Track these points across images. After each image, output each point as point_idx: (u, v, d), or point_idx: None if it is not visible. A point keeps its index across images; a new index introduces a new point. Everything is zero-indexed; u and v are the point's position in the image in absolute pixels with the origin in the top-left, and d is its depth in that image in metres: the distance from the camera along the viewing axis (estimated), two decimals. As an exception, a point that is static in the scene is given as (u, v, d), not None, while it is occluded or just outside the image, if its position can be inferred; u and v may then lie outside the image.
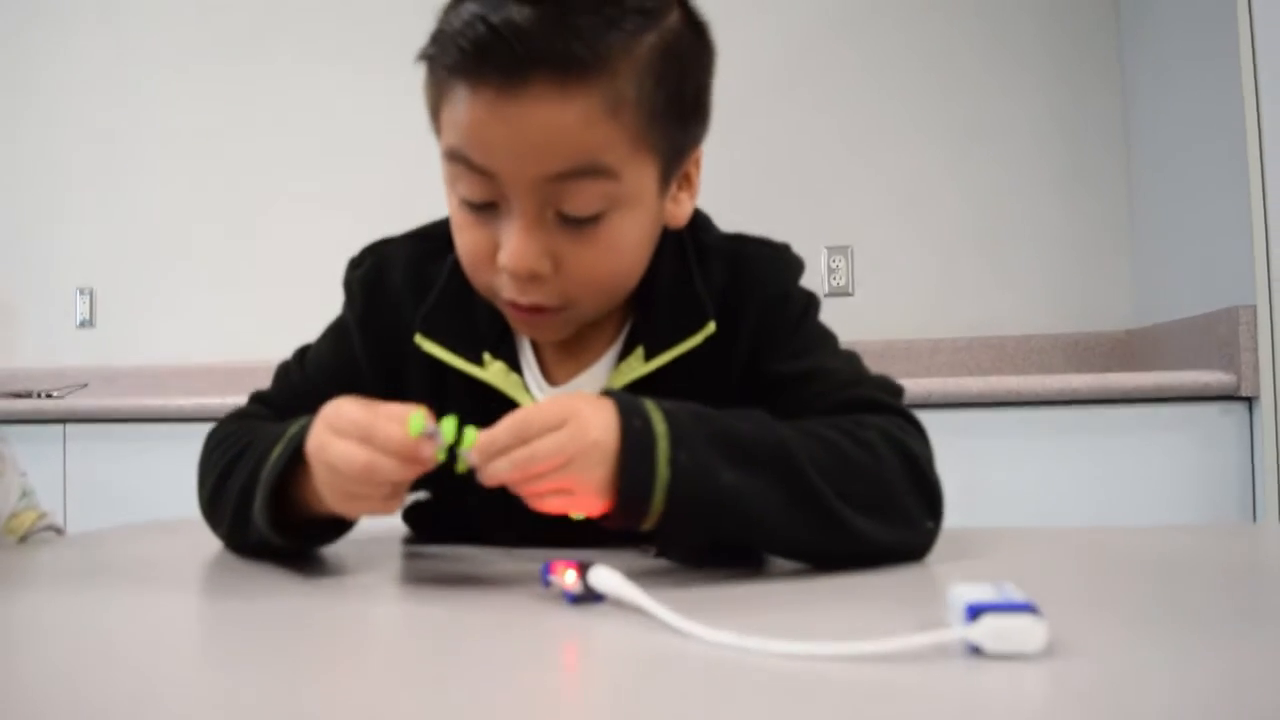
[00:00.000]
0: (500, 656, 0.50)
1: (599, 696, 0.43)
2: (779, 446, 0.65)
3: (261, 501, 0.69)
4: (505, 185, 0.68)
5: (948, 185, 2.59)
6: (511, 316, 0.76)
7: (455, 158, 0.69)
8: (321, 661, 0.50)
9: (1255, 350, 1.82)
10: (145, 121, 3.11)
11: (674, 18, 0.70)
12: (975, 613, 0.43)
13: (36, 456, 2.43)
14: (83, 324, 3.13)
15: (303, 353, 0.92)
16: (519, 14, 0.63)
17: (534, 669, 0.47)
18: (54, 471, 2.44)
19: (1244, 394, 1.84)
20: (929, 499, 0.71)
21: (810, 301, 0.85)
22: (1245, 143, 1.83)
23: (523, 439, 0.61)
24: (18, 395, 2.64)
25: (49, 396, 2.65)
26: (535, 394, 0.81)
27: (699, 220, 0.85)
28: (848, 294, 2.59)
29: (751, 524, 0.64)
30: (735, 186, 2.63)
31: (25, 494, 0.96)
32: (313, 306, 3.20)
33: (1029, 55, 2.56)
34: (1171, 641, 0.48)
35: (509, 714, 0.39)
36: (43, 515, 0.95)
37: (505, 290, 0.72)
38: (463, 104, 0.67)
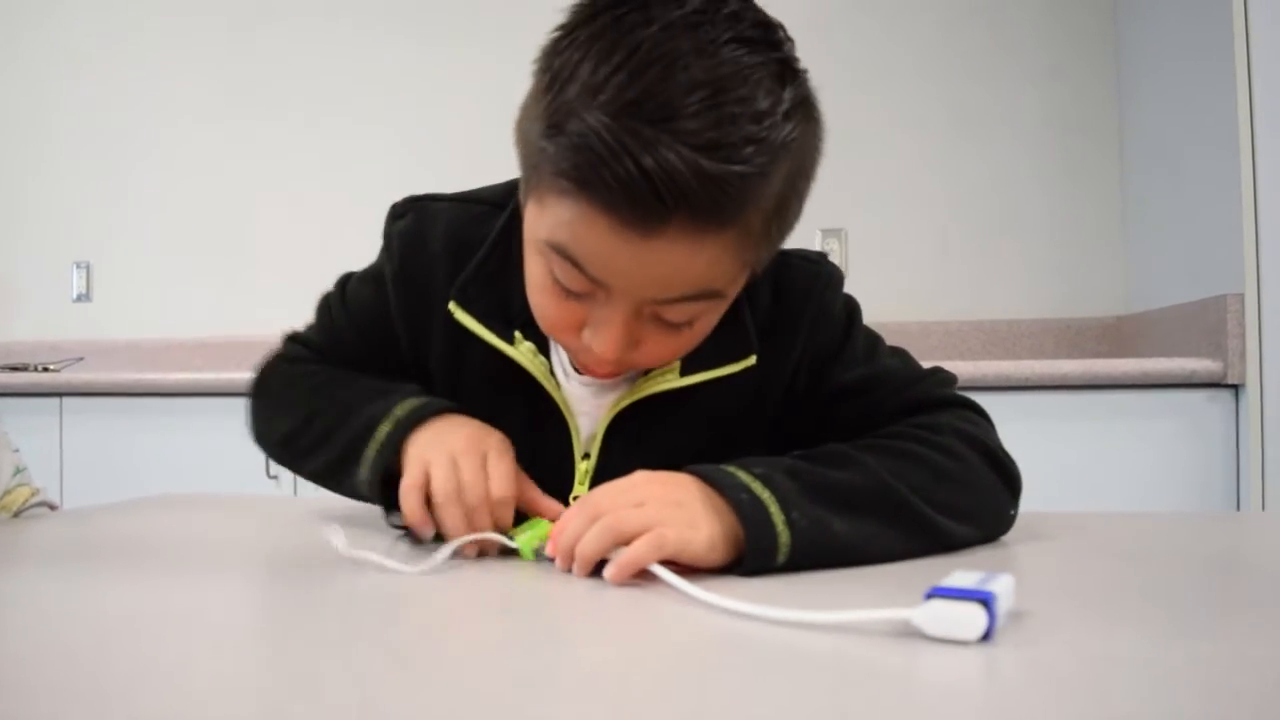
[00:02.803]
0: (501, 633, 0.51)
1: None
2: (879, 485, 0.67)
3: (368, 476, 0.75)
4: (612, 292, 0.66)
5: (942, 170, 2.59)
6: (579, 365, 0.78)
7: (563, 255, 0.65)
8: (318, 638, 0.51)
9: (1243, 338, 1.83)
10: (142, 96, 3.10)
11: (800, 125, 0.65)
12: (930, 598, 0.45)
13: (33, 429, 2.44)
14: (79, 298, 3.13)
15: (344, 284, 0.91)
16: (668, 156, 0.57)
17: (538, 636, 0.49)
18: (50, 444, 2.45)
19: (1231, 381, 1.85)
20: (1011, 487, 0.75)
21: (852, 311, 0.86)
22: (1237, 133, 1.83)
23: (594, 517, 0.62)
24: (14, 368, 2.65)
25: (46, 370, 2.66)
26: (560, 379, 0.81)
27: None
28: (841, 277, 2.59)
29: (865, 559, 0.66)
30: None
31: (18, 470, 0.97)
32: (308, 281, 3.20)
33: (1025, 43, 2.56)
34: (1139, 630, 0.49)
35: (509, 690, 0.41)
36: (36, 492, 0.97)
37: (582, 356, 0.73)
38: (582, 220, 0.63)
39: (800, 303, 0.81)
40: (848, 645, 0.45)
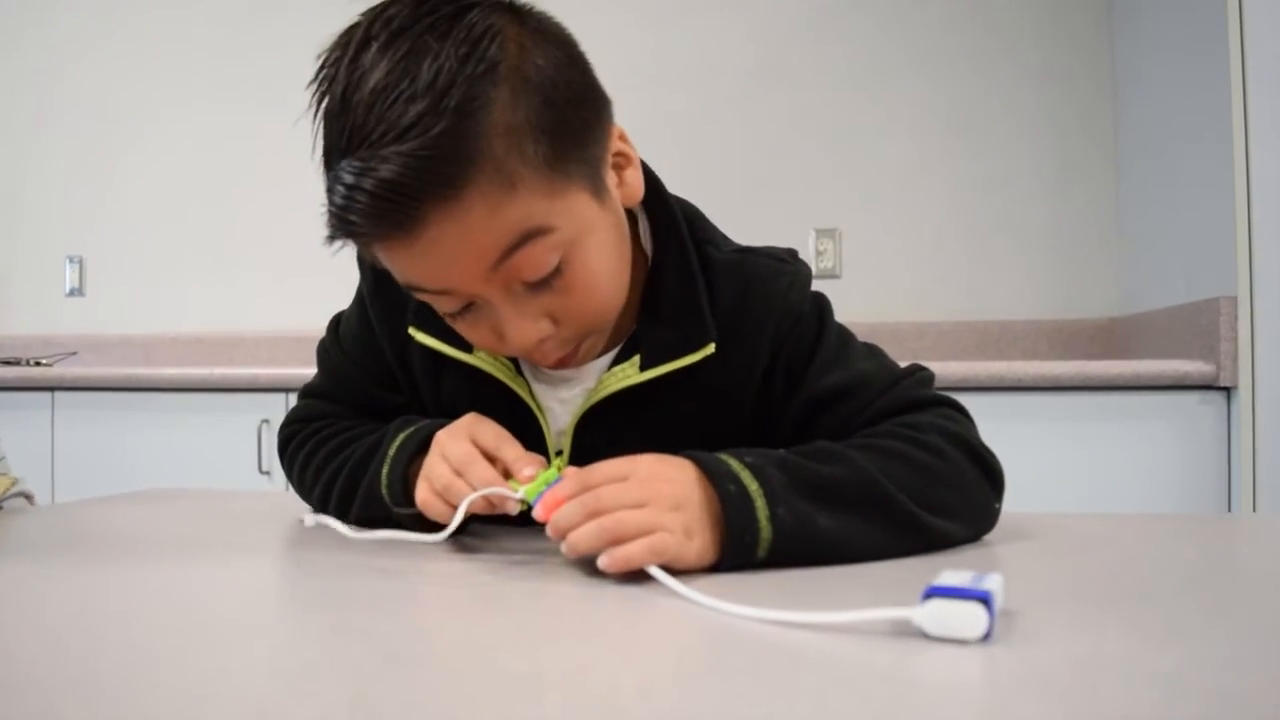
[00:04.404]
0: (492, 631, 0.51)
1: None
2: (866, 482, 0.67)
3: (394, 507, 0.78)
4: (464, 290, 0.69)
5: (937, 171, 2.59)
6: (542, 366, 0.80)
7: (410, 288, 0.71)
8: (308, 634, 0.51)
9: (1235, 341, 1.84)
10: (136, 91, 3.10)
11: (508, 45, 0.65)
12: (929, 597, 0.45)
13: (25, 424, 2.43)
14: (72, 292, 3.12)
15: (336, 324, 0.95)
16: (381, 169, 0.61)
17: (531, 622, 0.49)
18: (42, 439, 2.44)
19: (1223, 384, 1.85)
20: (994, 482, 0.76)
21: (823, 309, 0.85)
22: (1231, 136, 1.84)
23: (585, 488, 0.63)
24: (7, 363, 2.64)
25: (38, 364, 2.65)
26: (527, 378, 0.82)
27: (705, 233, 0.84)
28: (835, 276, 2.60)
29: (849, 555, 0.66)
30: (728, 168, 2.64)
31: None
32: (301, 278, 3.19)
33: (1021, 45, 2.56)
34: (1130, 631, 0.49)
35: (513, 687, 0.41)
36: (15, 482, 0.96)
37: (528, 357, 0.76)
38: (384, 256, 0.68)
39: (765, 300, 0.81)
40: (846, 645, 0.45)
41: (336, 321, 0.95)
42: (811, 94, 2.65)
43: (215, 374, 2.33)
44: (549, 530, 0.63)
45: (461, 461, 0.71)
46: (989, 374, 1.91)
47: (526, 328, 0.70)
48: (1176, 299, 2.08)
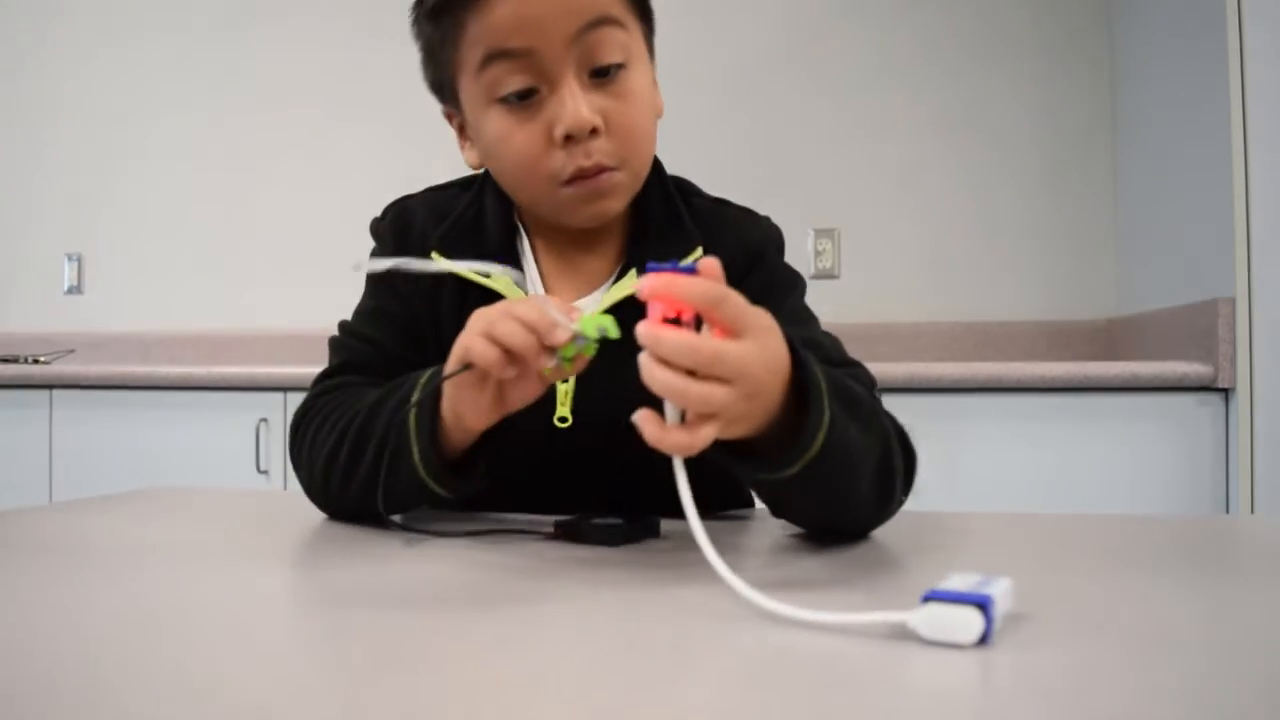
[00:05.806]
0: (488, 631, 0.51)
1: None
2: (872, 404, 0.71)
3: (423, 444, 0.72)
4: (544, 55, 0.78)
5: (936, 172, 2.59)
6: (580, 193, 0.83)
7: (491, 59, 0.79)
8: (303, 634, 0.51)
9: (1233, 342, 1.84)
10: (135, 90, 3.09)
11: None
12: (926, 601, 0.45)
13: (23, 421, 2.43)
14: (71, 290, 3.12)
15: (344, 324, 0.95)
16: None
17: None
18: (40, 437, 2.44)
19: (1221, 385, 1.86)
20: (909, 470, 0.75)
21: (795, 276, 0.93)
22: (1230, 138, 1.84)
23: (716, 303, 0.57)
24: (5, 360, 2.64)
25: (36, 362, 2.65)
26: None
27: (687, 186, 0.96)
28: (834, 276, 2.60)
29: (855, 477, 0.67)
30: (727, 167, 2.64)
31: None
32: (300, 276, 3.18)
33: (1020, 46, 2.57)
34: (1130, 636, 0.49)
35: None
36: None
37: (570, 164, 0.81)
38: (482, 17, 0.78)
39: (730, 239, 0.88)
40: (841, 647, 0.45)
41: (344, 323, 0.95)
42: (811, 93, 2.65)
43: (213, 372, 2.33)
44: (648, 341, 0.55)
45: (495, 316, 0.67)
46: (987, 374, 1.91)
47: (583, 108, 0.79)
48: (1175, 300, 2.08)
